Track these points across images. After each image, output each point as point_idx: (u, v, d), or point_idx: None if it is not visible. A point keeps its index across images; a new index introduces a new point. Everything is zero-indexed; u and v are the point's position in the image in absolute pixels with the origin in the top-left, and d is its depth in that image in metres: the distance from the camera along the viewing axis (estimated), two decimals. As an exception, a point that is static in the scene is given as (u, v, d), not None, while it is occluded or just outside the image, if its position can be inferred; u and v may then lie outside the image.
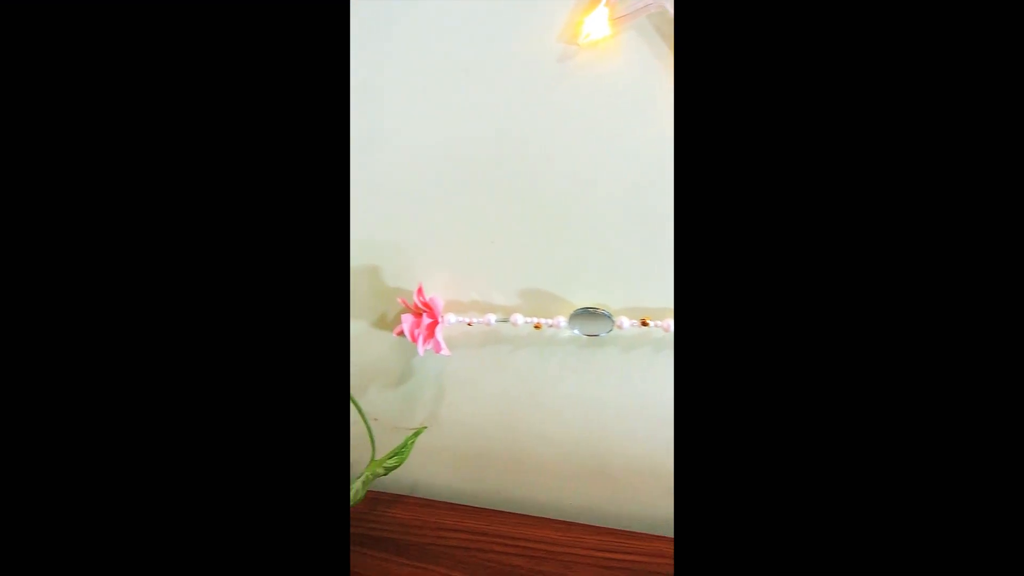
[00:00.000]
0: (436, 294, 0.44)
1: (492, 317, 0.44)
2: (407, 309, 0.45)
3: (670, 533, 0.42)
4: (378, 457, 0.42)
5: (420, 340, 0.43)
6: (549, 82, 0.41)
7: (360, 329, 0.49)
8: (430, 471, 0.50)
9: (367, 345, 0.49)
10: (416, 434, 0.43)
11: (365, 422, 0.43)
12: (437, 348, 0.43)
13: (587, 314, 0.42)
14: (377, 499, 0.47)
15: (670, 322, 0.41)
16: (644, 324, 0.42)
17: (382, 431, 0.46)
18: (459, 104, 0.43)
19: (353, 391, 0.46)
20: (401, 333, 0.44)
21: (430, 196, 0.45)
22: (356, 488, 0.40)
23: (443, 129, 0.43)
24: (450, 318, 0.44)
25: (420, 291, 0.44)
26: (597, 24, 0.38)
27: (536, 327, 0.43)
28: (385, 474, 0.42)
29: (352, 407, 0.43)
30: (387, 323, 0.48)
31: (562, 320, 0.43)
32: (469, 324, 0.44)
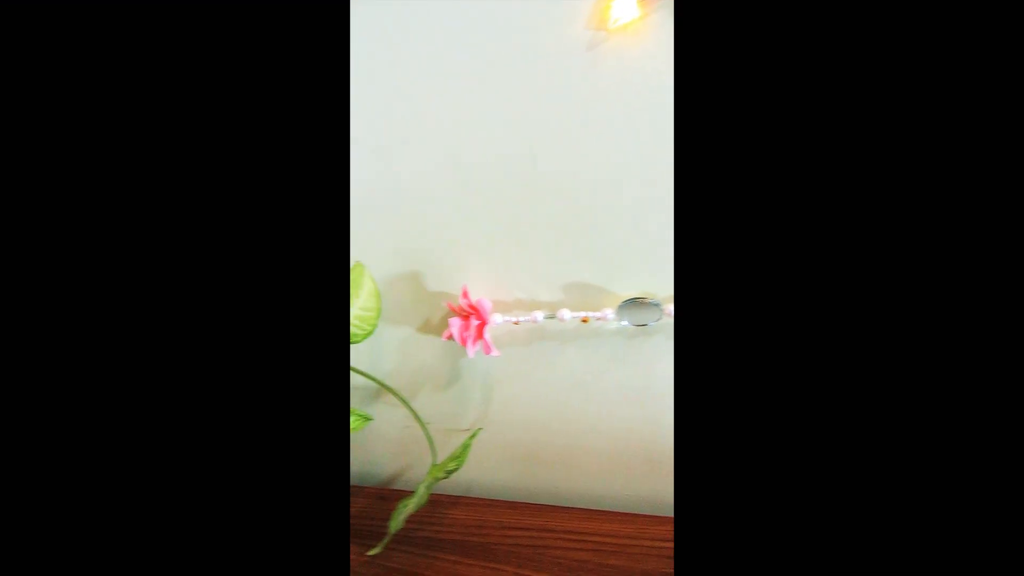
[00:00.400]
0: (481, 295, 0.44)
1: (539, 314, 0.43)
2: (453, 312, 0.45)
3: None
4: (438, 461, 0.43)
5: (469, 342, 0.43)
6: (580, 71, 0.40)
7: (406, 335, 0.49)
8: (485, 470, 0.50)
9: (413, 350, 0.49)
10: (472, 436, 0.43)
11: (424, 428, 0.43)
12: (487, 349, 0.43)
13: (635, 304, 0.42)
14: (437, 501, 0.47)
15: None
16: (694, 310, 0.41)
17: (435, 433, 0.46)
18: (489, 102, 0.42)
19: (405, 395, 0.47)
20: (450, 337, 0.44)
21: (465, 198, 0.45)
22: (420, 493, 0.41)
23: (474, 129, 0.43)
24: (496, 318, 0.44)
25: (465, 293, 0.43)
26: (625, 7, 0.38)
27: (583, 321, 0.43)
28: (446, 477, 0.42)
29: (409, 412, 0.44)
30: (431, 328, 0.48)
31: (609, 312, 0.42)
32: (516, 323, 0.44)
